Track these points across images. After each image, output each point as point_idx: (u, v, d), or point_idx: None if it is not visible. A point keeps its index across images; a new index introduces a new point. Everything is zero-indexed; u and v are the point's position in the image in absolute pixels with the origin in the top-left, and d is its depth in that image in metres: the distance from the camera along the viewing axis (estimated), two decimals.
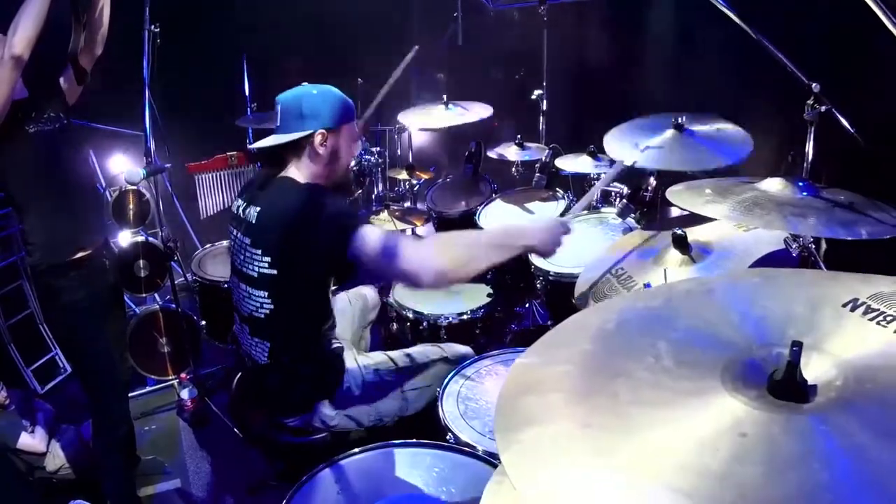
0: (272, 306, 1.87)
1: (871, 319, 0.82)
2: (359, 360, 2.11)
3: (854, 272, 0.94)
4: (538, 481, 0.71)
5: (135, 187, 3.53)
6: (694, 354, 0.85)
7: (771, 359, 0.80)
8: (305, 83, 1.99)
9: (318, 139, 1.90)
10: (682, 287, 1.06)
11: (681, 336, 0.90)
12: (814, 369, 0.77)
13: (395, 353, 2.18)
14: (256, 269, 1.86)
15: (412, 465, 1.62)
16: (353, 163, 3.50)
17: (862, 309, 0.85)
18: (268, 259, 1.83)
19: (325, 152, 1.93)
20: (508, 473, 0.72)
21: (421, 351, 2.20)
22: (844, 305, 0.86)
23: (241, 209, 1.94)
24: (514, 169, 3.50)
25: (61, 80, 2.28)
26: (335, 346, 2.08)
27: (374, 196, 3.88)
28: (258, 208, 1.88)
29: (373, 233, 1.75)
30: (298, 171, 1.94)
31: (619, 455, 0.71)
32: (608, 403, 0.80)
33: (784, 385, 0.74)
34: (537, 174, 3.01)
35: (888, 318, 0.81)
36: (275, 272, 1.83)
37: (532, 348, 0.97)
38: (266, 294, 1.87)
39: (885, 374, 0.74)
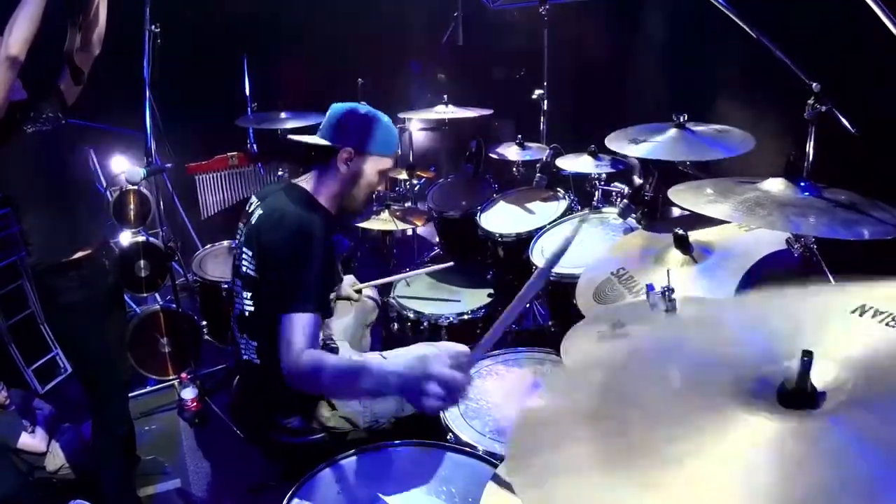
0: (252, 308, 1.88)
1: (880, 321, 0.82)
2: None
3: (858, 276, 0.94)
4: None
5: (135, 187, 3.52)
6: (704, 377, 0.86)
7: (781, 373, 0.80)
8: (364, 103, 2.02)
9: (343, 155, 1.91)
10: (690, 314, 1.07)
11: (691, 361, 0.91)
12: (823, 375, 0.77)
13: (388, 354, 2.18)
14: (244, 268, 1.88)
15: (412, 465, 1.62)
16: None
17: (870, 313, 0.84)
18: (254, 262, 1.85)
19: (346, 171, 1.93)
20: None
21: (415, 351, 2.20)
22: (853, 312, 0.86)
23: (252, 206, 1.96)
24: (514, 169, 3.50)
25: (59, 80, 2.28)
26: (330, 346, 2.08)
27: (374, 196, 3.88)
28: (261, 211, 1.89)
29: (300, 323, 1.67)
30: (317, 183, 1.95)
31: (635, 480, 0.72)
32: (622, 430, 0.81)
33: (794, 394, 0.75)
34: (538, 174, 3.00)
35: None
36: (256, 276, 1.84)
37: (543, 385, 0.98)
38: (250, 294, 1.88)
39: (894, 372, 0.74)
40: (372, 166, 1.96)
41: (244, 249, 1.89)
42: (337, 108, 1.98)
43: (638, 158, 2.47)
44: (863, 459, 0.65)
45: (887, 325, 0.81)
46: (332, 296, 2.05)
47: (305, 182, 1.97)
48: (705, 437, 0.75)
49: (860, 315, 0.85)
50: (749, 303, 1.06)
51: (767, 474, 0.66)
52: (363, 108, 1.98)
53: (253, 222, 1.89)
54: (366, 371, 1.55)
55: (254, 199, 2.00)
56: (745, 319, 0.97)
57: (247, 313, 1.90)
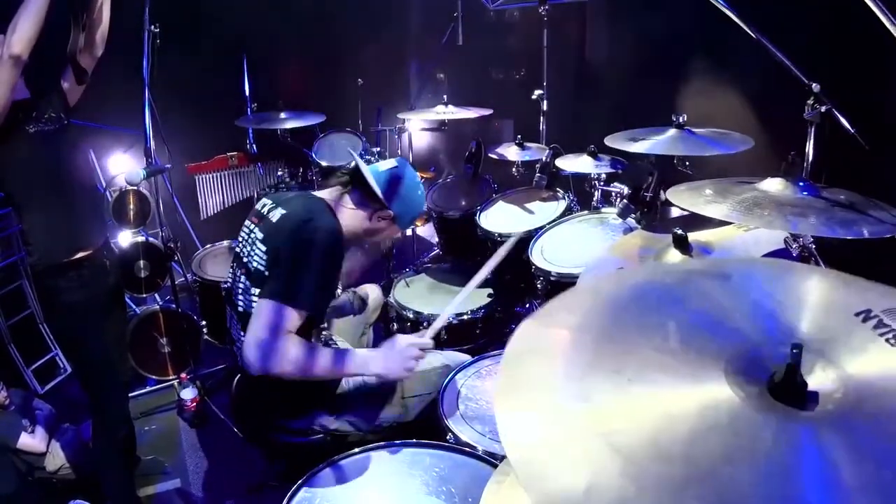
0: None
1: (881, 335, 0.80)
2: None
3: (862, 277, 0.93)
4: (531, 449, 0.71)
5: (135, 188, 3.53)
6: (701, 339, 0.83)
7: (776, 356, 0.78)
8: (421, 177, 2.12)
9: (382, 214, 2.00)
10: (700, 267, 1.05)
11: (692, 318, 0.88)
12: (816, 376, 0.75)
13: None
14: (256, 264, 1.87)
15: (412, 465, 1.62)
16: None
17: (874, 322, 0.82)
18: (267, 259, 1.84)
19: (372, 224, 2.01)
20: (501, 437, 0.72)
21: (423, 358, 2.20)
22: (857, 315, 0.84)
23: (267, 207, 1.97)
24: (514, 169, 3.50)
25: (62, 80, 2.28)
26: (331, 346, 2.08)
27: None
28: (284, 212, 1.90)
29: (280, 316, 1.73)
30: (344, 210, 1.99)
31: (611, 431, 0.71)
32: (610, 378, 0.79)
33: (783, 387, 0.74)
34: (538, 174, 3.01)
35: None
36: (267, 274, 1.83)
37: (544, 308, 0.95)
38: (259, 291, 1.87)
39: (887, 397, 0.72)
40: (391, 231, 2.09)
41: (259, 246, 1.88)
42: (407, 171, 2.04)
43: (637, 157, 2.48)
44: (830, 481, 0.63)
45: (887, 341, 0.79)
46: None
47: (331, 200, 2.00)
48: (686, 406, 0.73)
49: (863, 321, 0.82)
50: (760, 271, 1.02)
51: (735, 464, 0.65)
52: (422, 187, 2.10)
53: (274, 221, 1.89)
54: (339, 359, 1.82)
55: (267, 200, 2.00)
56: (753, 288, 0.94)
57: (252, 311, 1.89)
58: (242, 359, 1.75)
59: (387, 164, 2.05)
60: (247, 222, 2.01)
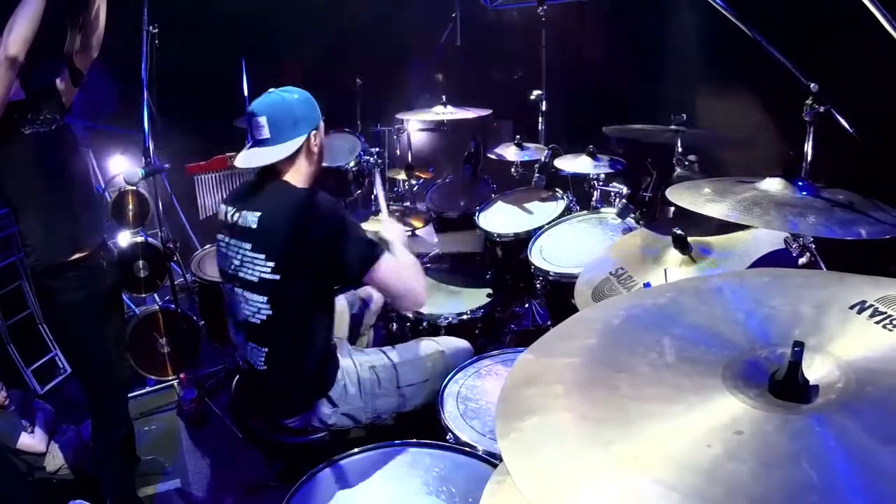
0: (270, 312, 1.85)
1: (877, 322, 0.82)
2: (354, 358, 2.10)
3: (860, 273, 0.94)
4: (533, 469, 0.71)
5: (134, 188, 3.52)
6: (697, 352, 0.85)
7: (774, 359, 0.79)
8: (272, 89, 2.00)
9: (313, 139, 1.96)
10: (690, 285, 1.06)
11: (685, 333, 0.89)
12: (816, 370, 0.77)
13: (390, 350, 2.18)
14: (257, 273, 1.84)
15: (412, 465, 1.62)
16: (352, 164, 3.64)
17: (869, 311, 0.84)
18: (271, 264, 1.81)
19: (317, 150, 2.00)
20: (505, 460, 0.73)
21: (417, 346, 2.21)
22: (852, 308, 0.85)
23: (231, 215, 1.92)
24: (513, 169, 3.50)
25: (57, 81, 2.27)
26: (330, 343, 2.08)
27: (373, 196, 3.88)
28: (258, 213, 1.85)
29: (388, 265, 1.89)
30: (294, 176, 1.95)
31: (614, 447, 0.72)
32: (608, 396, 0.80)
33: (784, 385, 0.74)
34: (536, 174, 3.00)
35: (895, 322, 0.81)
36: (277, 278, 1.81)
37: (538, 342, 0.96)
38: (265, 299, 1.85)
39: (888, 377, 0.73)
40: (322, 133, 2.03)
41: (253, 256, 1.84)
42: (275, 107, 1.93)
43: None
44: (839, 467, 0.64)
45: (884, 327, 0.80)
46: None
47: (284, 178, 1.94)
48: (690, 416, 0.74)
49: (858, 312, 0.84)
50: (751, 281, 1.03)
51: (743, 464, 0.66)
52: (287, 91, 1.97)
53: (254, 227, 1.84)
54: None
55: (229, 207, 1.95)
56: (745, 298, 0.96)
57: (258, 320, 1.87)
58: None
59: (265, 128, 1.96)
60: (219, 237, 1.97)
